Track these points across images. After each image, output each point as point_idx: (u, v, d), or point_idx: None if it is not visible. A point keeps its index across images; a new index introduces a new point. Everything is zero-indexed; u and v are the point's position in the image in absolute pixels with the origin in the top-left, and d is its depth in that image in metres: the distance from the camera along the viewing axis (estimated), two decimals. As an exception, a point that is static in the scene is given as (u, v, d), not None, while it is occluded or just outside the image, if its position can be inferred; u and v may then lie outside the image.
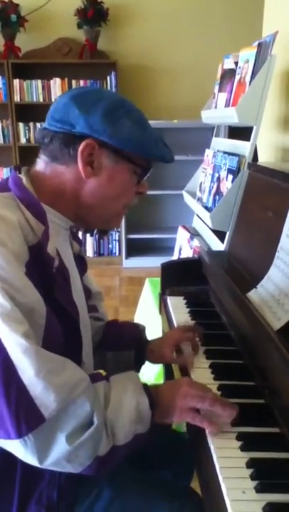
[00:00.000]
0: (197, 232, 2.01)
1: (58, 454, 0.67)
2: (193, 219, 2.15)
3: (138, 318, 2.29)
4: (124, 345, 1.07)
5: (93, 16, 3.86)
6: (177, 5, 4.06)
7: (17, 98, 4.01)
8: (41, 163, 0.85)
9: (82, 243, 1.06)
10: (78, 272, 0.96)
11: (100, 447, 0.70)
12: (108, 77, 4.00)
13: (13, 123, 4.05)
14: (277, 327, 0.88)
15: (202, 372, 0.98)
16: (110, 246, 4.45)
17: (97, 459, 0.70)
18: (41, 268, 0.75)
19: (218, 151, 1.86)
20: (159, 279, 1.53)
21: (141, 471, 0.93)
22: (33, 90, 4.03)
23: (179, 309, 1.34)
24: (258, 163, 1.63)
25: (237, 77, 1.67)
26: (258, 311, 0.96)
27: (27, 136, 4.11)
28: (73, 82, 4.04)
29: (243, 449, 0.74)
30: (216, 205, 1.61)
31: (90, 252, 4.37)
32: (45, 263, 0.77)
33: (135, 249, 4.35)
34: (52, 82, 4.03)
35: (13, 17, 3.84)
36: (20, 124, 4.08)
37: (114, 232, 4.43)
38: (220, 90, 1.88)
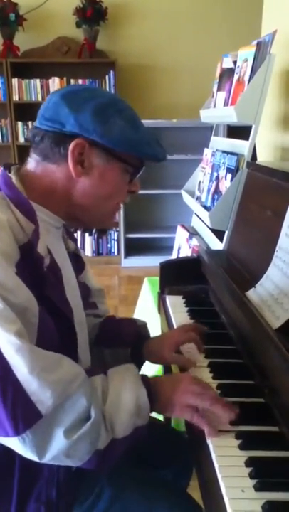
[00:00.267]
0: (196, 231, 2.01)
1: (57, 449, 0.67)
2: (192, 218, 2.15)
3: (137, 318, 2.29)
4: (121, 342, 1.04)
5: (92, 15, 3.86)
6: (176, 4, 4.06)
7: (16, 97, 4.01)
8: (32, 162, 0.85)
9: (77, 241, 1.06)
10: (74, 270, 0.95)
11: (99, 441, 0.70)
12: (107, 77, 3.99)
13: (11, 122, 4.05)
14: (277, 326, 0.88)
15: (201, 371, 0.98)
16: (109, 245, 4.45)
17: (96, 452, 0.70)
18: (32, 267, 0.75)
19: (217, 150, 1.85)
20: (157, 279, 1.53)
21: (140, 471, 0.93)
22: (31, 89, 4.03)
23: (178, 308, 1.34)
24: (257, 162, 1.63)
25: (236, 76, 1.67)
26: (257, 310, 0.96)
27: (26, 136, 4.11)
28: (72, 81, 4.04)
29: (242, 447, 0.74)
30: (215, 204, 1.61)
31: (88, 251, 4.36)
32: (36, 262, 0.76)
33: (134, 248, 4.35)
34: (50, 81, 4.03)
35: (12, 16, 3.84)
36: (19, 123, 4.08)
37: (113, 232, 4.43)
38: (219, 89, 1.87)
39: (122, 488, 0.84)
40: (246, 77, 1.57)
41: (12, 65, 3.95)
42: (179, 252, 2.08)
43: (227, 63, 1.80)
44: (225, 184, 1.63)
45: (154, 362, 1.05)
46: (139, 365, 1.02)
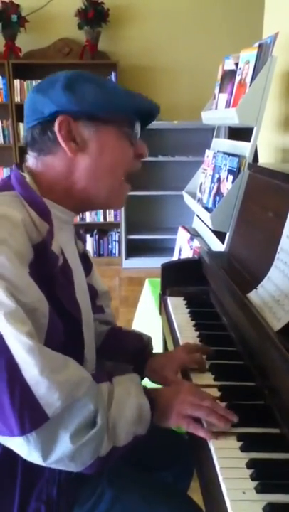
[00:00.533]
0: (197, 232, 2.01)
1: (62, 453, 0.67)
2: (193, 220, 2.15)
3: (138, 319, 2.29)
4: (123, 357, 1.03)
5: (94, 16, 3.87)
6: (178, 6, 4.07)
7: (17, 98, 4.02)
8: (31, 160, 0.85)
9: (85, 242, 1.06)
10: (83, 271, 0.95)
11: (102, 447, 0.71)
12: (108, 78, 4.00)
13: (13, 123, 4.06)
14: (278, 328, 0.88)
15: (203, 373, 0.98)
16: (110, 246, 4.46)
17: (98, 459, 0.71)
18: (45, 267, 0.75)
19: (218, 151, 1.86)
20: (159, 280, 1.53)
21: (141, 473, 0.93)
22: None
23: (179, 310, 1.34)
24: (259, 164, 1.63)
25: (237, 78, 1.67)
26: (258, 311, 0.96)
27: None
28: (74, 82, 4.05)
29: (243, 449, 0.74)
30: (216, 205, 1.61)
31: (89, 252, 4.36)
32: (49, 262, 0.76)
33: (135, 249, 4.35)
34: (52, 82, 4.04)
35: (14, 17, 3.85)
36: (21, 125, 4.08)
37: (114, 233, 4.43)
38: (220, 91, 1.88)
39: (122, 490, 0.84)
40: (248, 79, 1.57)
41: (14, 66, 3.96)
42: (180, 254, 2.08)
43: (229, 65, 1.80)
44: (226, 186, 1.63)
45: (154, 381, 1.02)
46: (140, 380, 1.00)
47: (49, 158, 0.83)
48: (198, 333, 1.18)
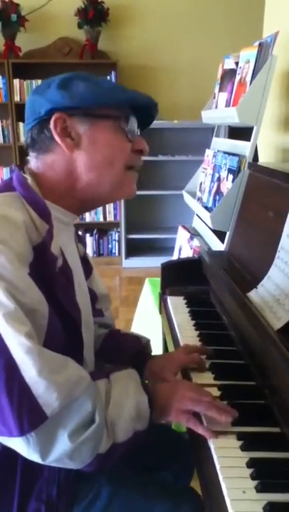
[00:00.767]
0: (197, 232, 2.01)
1: (61, 451, 0.68)
2: (193, 219, 2.15)
3: (138, 318, 2.29)
4: (122, 359, 1.02)
5: (94, 16, 3.86)
6: (178, 5, 4.07)
7: (17, 98, 4.02)
8: (32, 160, 0.86)
9: (86, 246, 1.06)
10: (83, 273, 0.95)
11: (101, 445, 0.71)
12: (108, 77, 3.99)
13: (13, 123, 4.05)
14: (278, 327, 0.88)
15: (202, 372, 0.98)
16: (110, 246, 4.45)
17: (98, 456, 0.71)
18: (45, 268, 0.75)
19: (218, 151, 1.86)
20: (158, 279, 1.53)
21: (140, 472, 0.93)
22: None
23: (179, 309, 1.34)
24: (259, 163, 1.63)
25: (237, 77, 1.67)
26: (259, 311, 0.96)
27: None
28: (73, 82, 4.05)
29: (243, 448, 0.74)
30: (216, 205, 1.61)
31: (89, 252, 4.35)
32: (49, 263, 0.77)
33: (135, 249, 4.35)
34: (52, 82, 4.04)
35: (14, 17, 3.85)
36: (21, 124, 4.08)
37: (113, 232, 4.43)
38: (220, 90, 1.88)
39: (121, 487, 0.84)
40: (248, 78, 1.57)
41: (14, 66, 3.96)
42: (180, 253, 2.08)
43: (229, 64, 1.80)
44: (226, 185, 1.63)
45: (153, 383, 1.01)
46: None
47: (48, 157, 0.84)
48: (198, 332, 1.18)
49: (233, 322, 1.14)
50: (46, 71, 4.01)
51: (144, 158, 0.93)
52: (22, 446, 0.67)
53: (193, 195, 2.08)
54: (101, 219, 4.38)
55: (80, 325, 0.85)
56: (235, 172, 1.57)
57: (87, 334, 0.89)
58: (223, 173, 1.68)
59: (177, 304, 1.37)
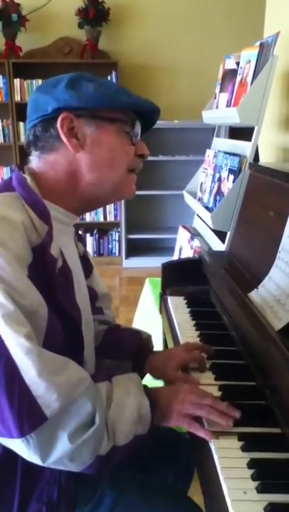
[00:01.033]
0: (198, 232, 2.01)
1: (61, 453, 0.67)
2: (193, 219, 2.15)
3: (138, 318, 2.29)
4: (122, 354, 1.03)
5: (94, 15, 3.86)
6: (178, 5, 4.07)
7: (18, 98, 4.02)
8: (34, 160, 0.86)
9: (86, 244, 1.06)
10: (83, 273, 0.95)
11: (102, 447, 0.71)
12: (109, 77, 3.99)
13: (13, 122, 4.05)
14: (279, 327, 0.88)
15: (203, 371, 0.97)
16: (110, 246, 4.45)
17: (98, 458, 0.71)
18: (44, 269, 0.75)
19: (219, 151, 1.86)
20: (159, 279, 1.53)
21: (142, 473, 0.93)
22: (33, 90, 4.01)
23: (180, 309, 1.34)
24: (259, 163, 1.62)
25: (238, 78, 1.67)
26: (259, 311, 0.96)
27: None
28: (74, 81, 4.04)
29: (244, 449, 0.74)
30: (217, 205, 1.61)
31: (89, 251, 4.35)
32: (48, 264, 0.76)
33: (135, 249, 4.35)
34: (53, 81, 4.03)
35: (14, 16, 3.85)
36: (21, 124, 4.08)
37: (114, 232, 4.43)
38: (221, 90, 1.87)
39: (123, 492, 0.84)
40: (249, 79, 1.57)
41: (14, 66, 3.96)
42: (180, 253, 2.08)
43: (229, 64, 1.80)
44: (227, 185, 1.63)
45: (155, 377, 1.03)
46: (140, 378, 0.98)
47: (51, 156, 0.84)
48: (198, 332, 1.18)
49: (234, 322, 1.14)
50: (47, 71, 4.03)
51: (145, 159, 0.93)
52: (22, 448, 0.67)
53: (193, 195, 2.08)
54: (101, 219, 4.38)
55: (81, 325, 0.85)
56: (235, 172, 1.57)
57: (87, 334, 0.89)
58: (224, 173, 1.68)
59: (177, 304, 1.37)
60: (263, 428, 0.79)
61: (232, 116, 1.58)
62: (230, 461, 0.71)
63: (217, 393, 0.88)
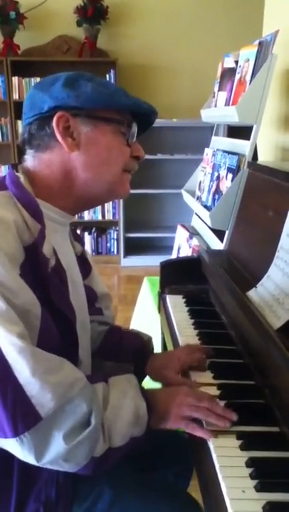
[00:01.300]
0: (196, 231, 2.01)
1: (56, 453, 0.67)
2: (192, 218, 2.15)
3: (136, 317, 2.29)
4: (123, 356, 1.03)
5: (93, 14, 3.85)
6: (177, 3, 4.06)
7: (16, 96, 4.01)
8: (29, 158, 0.85)
9: (84, 244, 1.05)
10: (80, 273, 0.95)
11: (97, 448, 0.70)
12: (107, 76, 3.99)
13: (11, 121, 4.05)
14: (277, 326, 0.88)
15: (202, 372, 0.97)
16: (108, 245, 4.45)
17: (93, 459, 0.70)
18: (36, 268, 0.75)
19: (217, 149, 1.85)
20: (157, 278, 1.53)
21: (140, 472, 0.92)
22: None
23: (178, 308, 1.34)
24: (258, 162, 1.62)
25: (237, 76, 1.67)
26: (258, 310, 0.96)
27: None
28: (72, 80, 4.04)
29: (242, 448, 0.74)
30: (216, 204, 1.61)
31: (88, 250, 4.35)
32: (40, 263, 0.76)
33: (134, 247, 4.35)
34: (51, 80, 4.02)
35: (12, 14, 3.83)
36: (19, 122, 4.06)
37: (112, 231, 4.43)
38: (220, 89, 1.87)
39: (122, 490, 0.83)
40: (248, 77, 1.57)
41: (12, 64, 3.95)
42: (178, 252, 2.08)
43: (228, 63, 1.80)
44: (226, 184, 1.63)
45: (155, 380, 1.02)
46: (140, 380, 0.98)
47: (46, 155, 0.83)
48: (197, 331, 1.17)
49: (233, 321, 1.14)
50: (45, 69, 4.03)
51: (141, 160, 0.93)
52: (16, 448, 0.67)
53: (192, 194, 2.08)
54: (100, 217, 4.37)
55: (75, 324, 0.84)
56: (234, 171, 1.57)
57: (82, 334, 0.88)
58: (223, 172, 1.68)
59: (176, 303, 1.37)
60: (262, 427, 0.79)
61: (231, 115, 1.58)
62: (228, 460, 0.71)
63: (216, 392, 0.88)
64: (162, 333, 1.47)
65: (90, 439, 0.69)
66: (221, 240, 1.59)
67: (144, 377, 1.01)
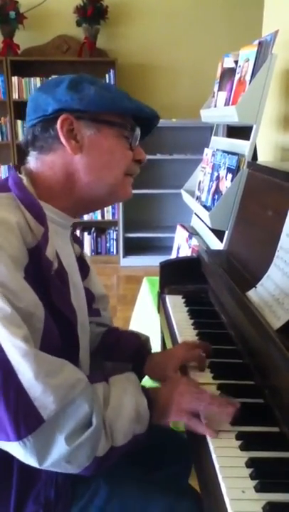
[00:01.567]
0: (196, 231, 2.01)
1: (58, 455, 0.67)
2: (191, 218, 2.15)
3: (135, 317, 2.29)
4: (121, 356, 1.03)
5: (93, 13, 3.85)
6: (177, 3, 4.06)
7: (15, 95, 4.01)
8: (32, 160, 0.85)
9: (83, 246, 1.06)
10: (79, 274, 0.95)
11: (99, 448, 0.70)
12: (107, 76, 3.99)
13: (11, 120, 4.04)
14: (277, 326, 0.88)
15: (202, 370, 0.97)
16: (108, 245, 4.45)
17: (95, 459, 0.70)
18: (39, 271, 0.75)
19: (217, 149, 1.85)
20: (156, 278, 1.53)
21: (139, 472, 0.92)
22: (31, 88, 4.02)
23: (178, 308, 1.34)
24: (258, 162, 1.62)
25: (237, 76, 1.67)
26: (258, 310, 0.95)
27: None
28: (72, 80, 4.04)
29: (242, 448, 0.74)
30: (215, 204, 1.61)
31: (87, 250, 4.36)
32: (43, 266, 0.76)
33: (133, 248, 4.35)
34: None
35: (12, 14, 3.83)
36: (19, 122, 4.07)
37: (111, 231, 4.42)
38: (220, 89, 1.87)
39: (119, 486, 0.83)
40: (247, 77, 1.57)
41: (12, 63, 3.94)
42: (178, 252, 2.08)
43: (228, 63, 1.80)
44: (225, 184, 1.63)
45: (154, 379, 1.02)
46: (139, 380, 0.96)
47: (49, 157, 0.84)
48: (196, 331, 1.17)
49: (232, 321, 1.14)
50: (45, 69, 4.03)
51: (142, 164, 0.94)
52: (19, 451, 0.67)
53: (191, 194, 2.08)
54: (99, 217, 4.37)
55: (76, 326, 0.84)
56: (234, 171, 1.57)
57: (82, 336, 0.88)
58: (222, 172, 1.68)
59: (176, 303, 1.37)
60: (262, 427, 0.79)
61: (230, 115, 1.58)
62: (228, 460, 0.71)
63: (215, 392, 0.88)
64: (162, 333, 1.47)
65: (92, 439, 0.69)
66: (221, 240, 1.59)
67: (143, 377, 1.01)
